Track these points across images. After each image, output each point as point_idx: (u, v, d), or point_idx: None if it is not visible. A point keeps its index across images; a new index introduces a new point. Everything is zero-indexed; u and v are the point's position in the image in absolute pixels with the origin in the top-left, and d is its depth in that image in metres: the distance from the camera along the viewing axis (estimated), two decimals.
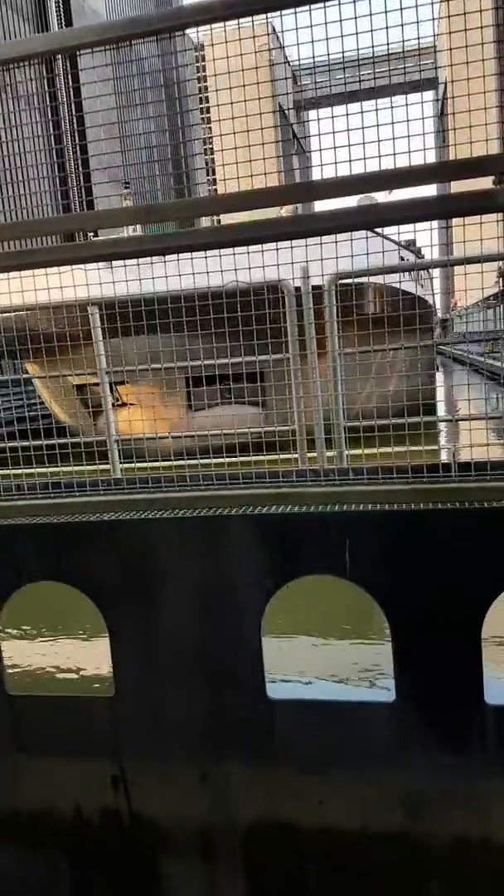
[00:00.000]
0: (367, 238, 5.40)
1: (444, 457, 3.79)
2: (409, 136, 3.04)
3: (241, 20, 3.04)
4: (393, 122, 2.86)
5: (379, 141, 3.09)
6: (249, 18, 3.00)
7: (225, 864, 3.75)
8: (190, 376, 6.89)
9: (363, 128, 2.86)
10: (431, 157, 3.36)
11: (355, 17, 3.18)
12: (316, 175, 3.76)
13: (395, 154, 2.87)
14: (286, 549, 3.49)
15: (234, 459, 3.96)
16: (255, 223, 3.13)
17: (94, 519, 3.70)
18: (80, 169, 3.26)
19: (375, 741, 3.48)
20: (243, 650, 3.58)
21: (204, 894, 3.79)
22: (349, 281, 4.44)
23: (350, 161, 3.06)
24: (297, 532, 3.46)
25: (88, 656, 6.33)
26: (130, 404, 6.60)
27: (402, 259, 9.03)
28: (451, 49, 3.25)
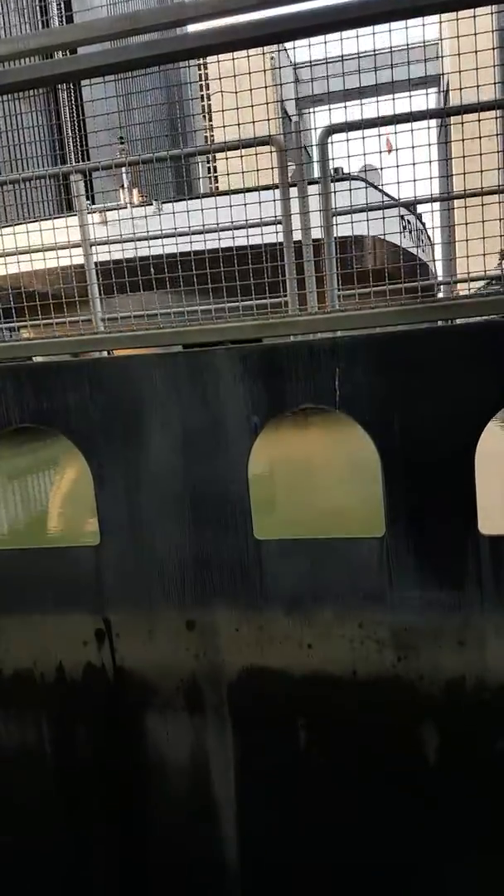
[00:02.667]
0: (365, 188, 5.26)
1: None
2: None
3: None
4: None
5: None
6: None
7: (212, 714, 3.66)
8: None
9: None
10: None
11: None
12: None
13: None
14: (273, 381, 3.36)
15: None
16: (237, 26, 2.98)
17: (75, 358, 3.59)
18: None
19: (365, 578, 3.37)
20: (230, 490, 3.47)
21: (192, 746, 3.71)
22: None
23: None
24: (285, 363, 3.33)
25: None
26: None
27: (403, 218, 8.88)
28: None
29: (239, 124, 4.36)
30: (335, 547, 3.43)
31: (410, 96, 4.43)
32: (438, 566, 3.27)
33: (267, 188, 4.44)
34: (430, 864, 3.44)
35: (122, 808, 3.85)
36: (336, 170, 5.23)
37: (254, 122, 4.41)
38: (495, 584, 3.22)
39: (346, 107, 4.29)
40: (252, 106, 4.40)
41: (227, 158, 4.37)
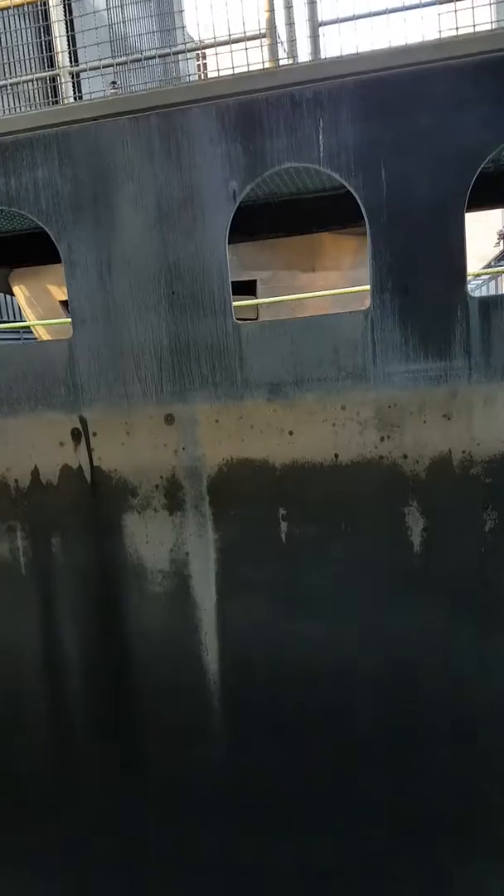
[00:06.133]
0: None
1: None
2: None
3: None
4: None
5: None
6: None
7: (192, 511, 3.56)
8: None
9: None
10: None
11: None
12: None
13: None
14: (252, 139, 3.14)
15: None
16: None
17: (43, 132, 3.36)
18: None
19: (348, 356, 3.21)
20: (209, 269, 3.30)
21: (172, 545, 3.62)
22: None
23: None
24: (265, 117, 3.10)
25: None
26: None
27: None
28: None
29: None
30: (317, 324, 3.26)
31: None
32: (425, 334, 3.11)
33: None
34: (418, 649, 3.39)
35: (102, 613, 3.78)
36: None
37: None
38: (484, 350, 3.07)
39: None
40: None
41: None
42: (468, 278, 3.03)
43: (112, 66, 4.69)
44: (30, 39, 6.13)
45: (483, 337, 3.06)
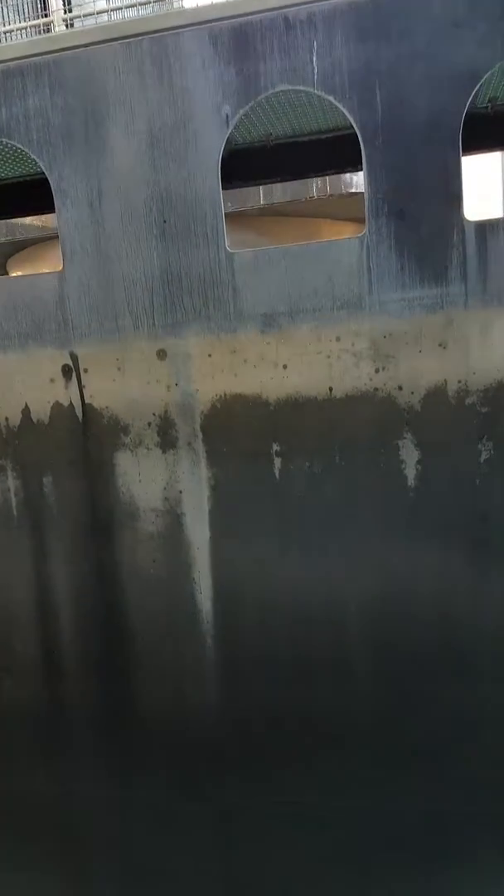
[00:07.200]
0: None
1: None
2: None
3: None
4: None
5: None
6: None
7: (185, 449, 3.53)
8: None
9: None
10: None
11: None
12: None
13: None
14: (245, 63, 3.09)
15: None
16: None
17: (36, 60, 3.31)
18: None
19: (344, 285, 3.17)
20: (201, 196, 3.25)
21: (165, 484, 3.59)
22: None
23: None
24: (258, 40, 3.05)
25: None
26: None
27: None
28: None
29: None
30: (311, 252, 3.22)
31: None
32: (421, 260, 3.07)
33: None
34: (413, 582, 3.36)
35: (94, 552, 3.74)
36: None
37: None
38: (481, 275, 3.03)
39: None
40: None
41: None
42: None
43: (107, 11, 4.62)
44: None
45: (480, 262, 3.02)
